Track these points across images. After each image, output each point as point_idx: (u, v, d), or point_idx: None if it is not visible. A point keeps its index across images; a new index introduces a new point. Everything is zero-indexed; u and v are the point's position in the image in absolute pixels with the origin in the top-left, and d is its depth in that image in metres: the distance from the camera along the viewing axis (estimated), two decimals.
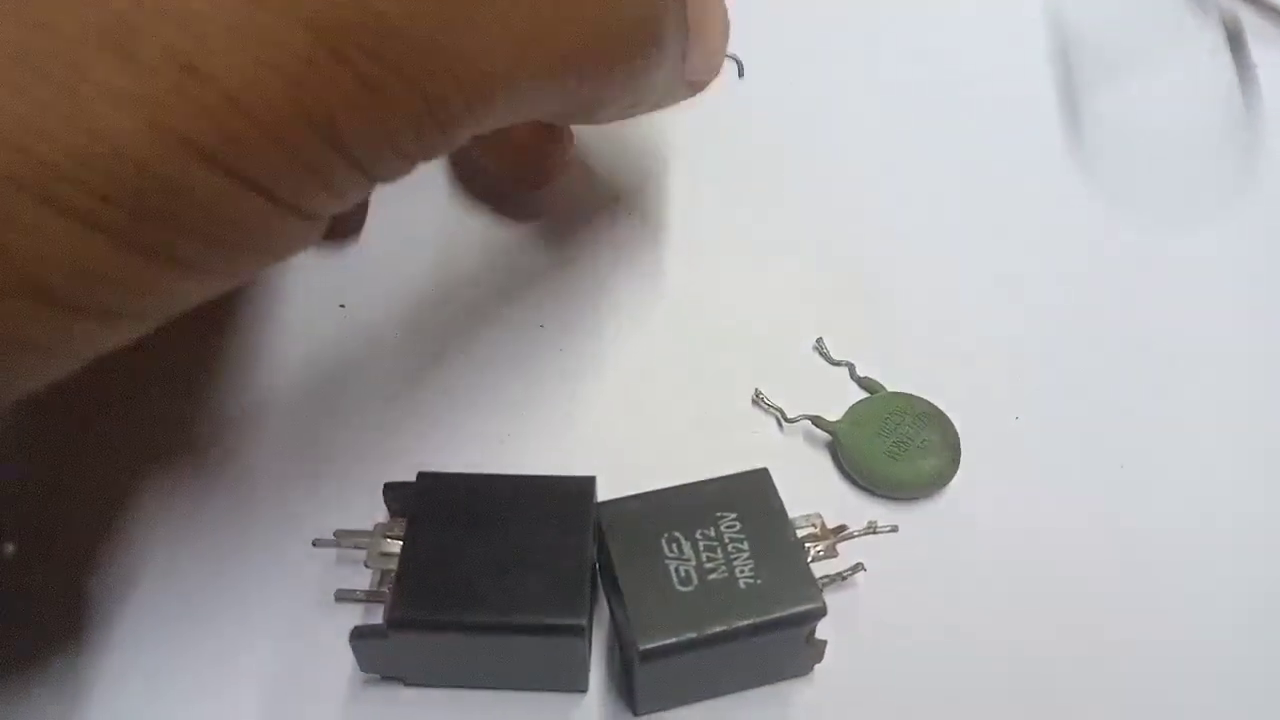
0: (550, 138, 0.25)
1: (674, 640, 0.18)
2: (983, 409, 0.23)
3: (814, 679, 0.20)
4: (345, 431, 0.23)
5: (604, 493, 0.20)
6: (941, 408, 0.23)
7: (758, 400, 0.23)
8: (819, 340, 0.24)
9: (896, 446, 0.22)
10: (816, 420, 0.23)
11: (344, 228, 0.26)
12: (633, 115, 0.20)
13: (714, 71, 0.21)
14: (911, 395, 0.23)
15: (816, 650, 0.19)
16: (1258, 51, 0.30)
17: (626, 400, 0.23)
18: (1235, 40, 0.30)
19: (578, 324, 0.25)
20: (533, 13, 0.14)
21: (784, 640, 0.19)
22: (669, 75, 0.19)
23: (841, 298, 0.25)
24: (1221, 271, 0.27)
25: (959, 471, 0.22)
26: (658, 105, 0.21)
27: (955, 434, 0.22)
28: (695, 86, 0.21)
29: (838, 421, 0.23)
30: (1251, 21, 0.31)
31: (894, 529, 0.21)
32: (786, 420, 0.23)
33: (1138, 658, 0.20)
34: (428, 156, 0.15)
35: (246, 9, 0.12)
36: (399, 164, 0.15)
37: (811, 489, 0.22)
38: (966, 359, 0.24)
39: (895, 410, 0.23)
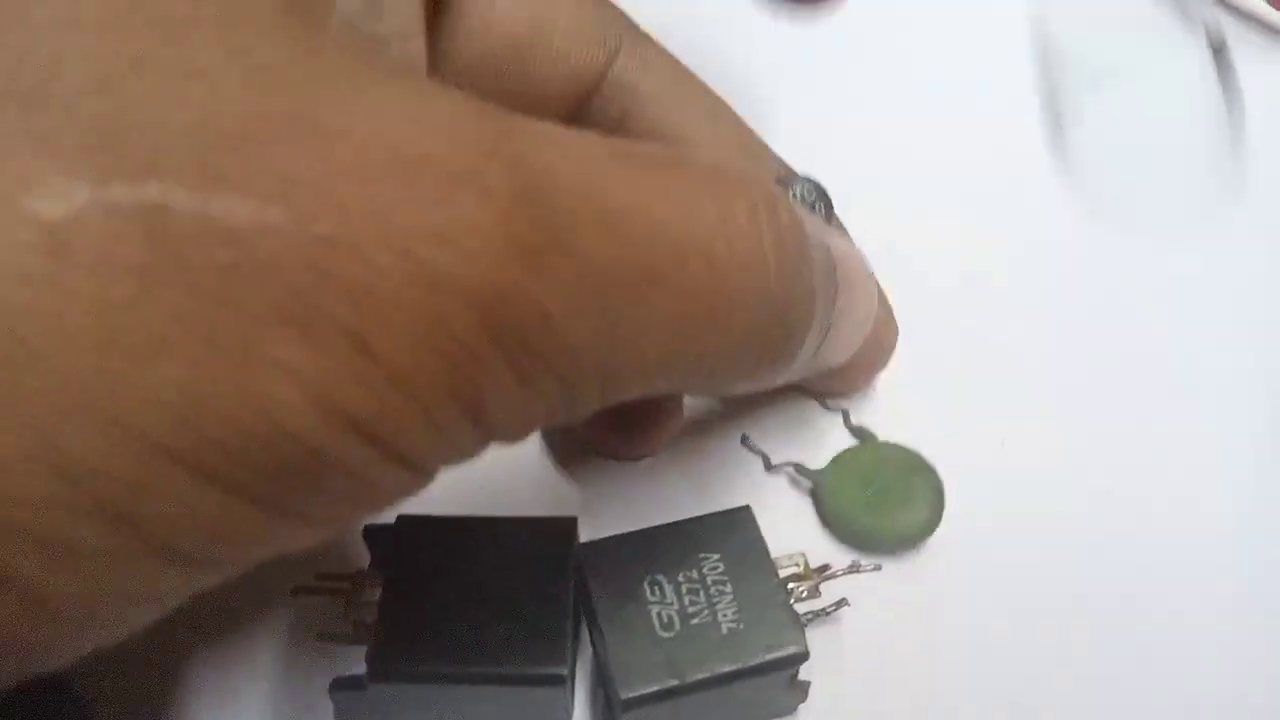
0: (663, 411, 0.23)
1: (656, 688, 0.18)
2: (972, 444, 0.23)
3: (798, 719, 0.20)
4: None
5: (585, 531, 0.20)
6: (929, 454, 0.23)
7: (745, 443, 0.23)
8: None
9: (876, 498, 0.22)
10: (799, 468, 0.23)
11: None
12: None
13: (848, 353, 0.21)
14: (900, 446, 0.23)
15: (800, 691, 0.19)
16: (1241, 61, 0.30)
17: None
18: (1219, 50, 0.30)
19: None
20: (680, 320, 0.15)
21: (767, 684, 0.19)
22: (799, 364, 0.19)
23: None
24: (1208, 283, 0.27)
25: (948, 506, 0.22)
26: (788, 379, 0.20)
27: (939, 490, 0.22)
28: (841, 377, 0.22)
29: (820, 470, 0.22)
30: (1235, 31, 0.31)
31: (877, 567, 0.21)
32: (770, 467, 0.23)
33: (1130, 697, 0.20)
34: (549, 427, 0.16)
35: (424, 292, 0.12)
36: (524, 434, 0.15)
37: (791, 534, 0.21)
38: (956, 397, 0.24)
39: (880, 460, 0.22)
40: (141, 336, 0.11)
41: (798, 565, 0.20)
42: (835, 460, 0.23)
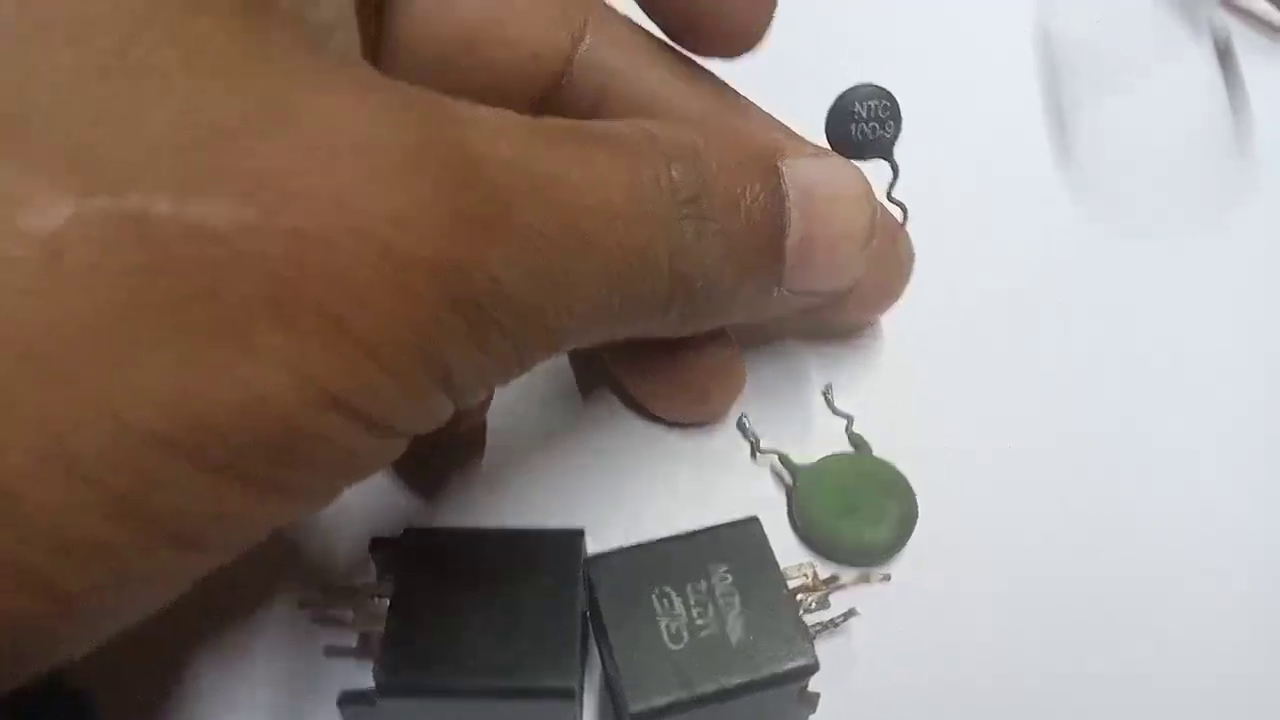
0: (724, 370, 0.23)
1: (665, 701, 0.18)
2: (976, 450, 0.23)
3: None
4: None
5: (591, 535, 0.20)
6: (926, 464, 0.22)
7: (740, 424, 0.23)
8: (828, 387, 0.24)
9: (847, 509, 0.22)
10: (784, 458, 0.22)
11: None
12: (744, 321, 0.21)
13: (838, 278, 0.20)
14: (887, 465, 0.22)
15: (810, 703, 0.19)
16: (1247, 63, 0.30)
17: (613, 445, 0.23)
18: (1224, 52, 0.30)
19: (563, 369, 0.24)
20: (606, 273, 0.16)
21: (776, 696, 0.19)
22: (754, 299, 0.19)
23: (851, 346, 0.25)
24: (1213, 284, 0.27)
25: (955, 518, 0.22)
26: (769, 315, 0.21)
27: (909, 518, 0.22)
28: (815, 297, 0.20)
29: (805, 467, 0.22)
30: (1240, 32, 0.31)
31: (886, 578, 0.20)
32: (760, 451, 0.23)
33: (1138, 698, 0.20)
34: (503, 385, 0.17)
35: (391, 271, 0.13)
36: (483, 393, 0.16)
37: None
38: (956, 409, 0.24)
39: (862, 474, 0.22)
40: (136, 336, 0.12)
41: (806, 576, 0.20)
42: (821, 461, 0.23)
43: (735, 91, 0.22)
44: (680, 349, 0.21)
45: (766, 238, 0.19)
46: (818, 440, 0.23)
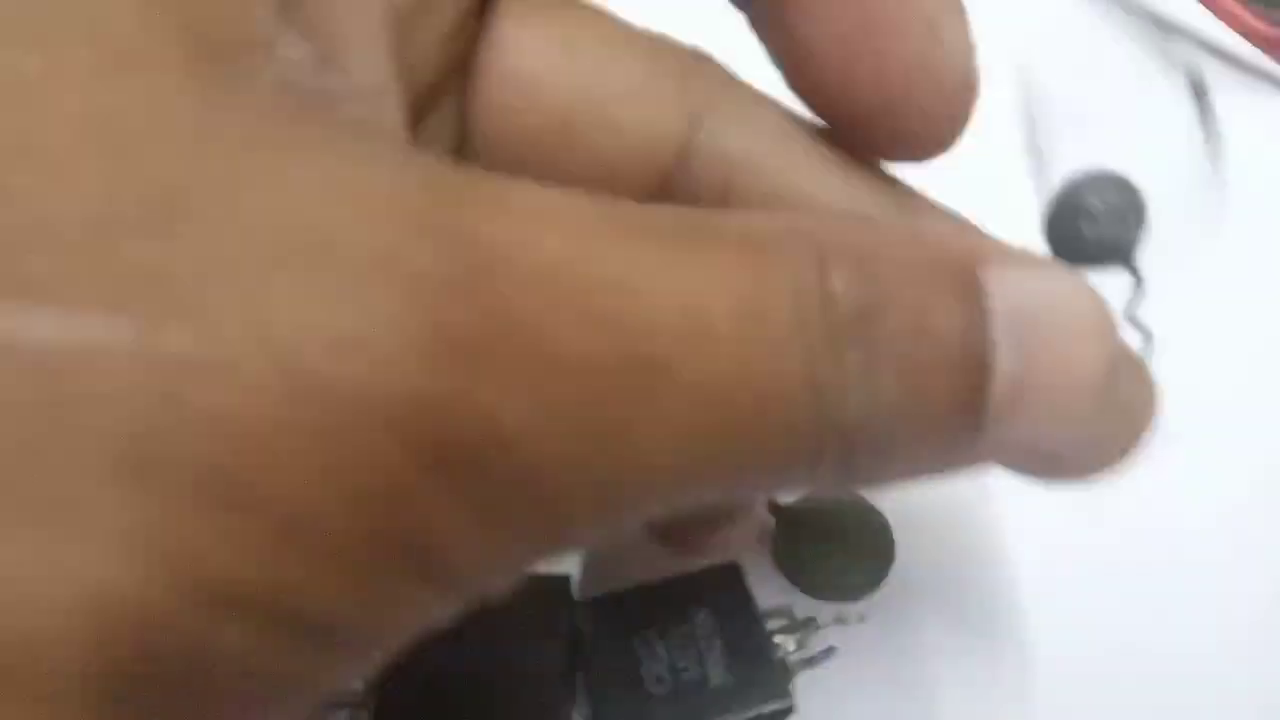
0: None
1: None
2: (947, 488, 0.24)
3: None
4: None
5: (577, 581, 0.21)
6: (890, 504, 0.23)
7: None
8: None
9: (829, 545, 0.22)
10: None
11: None
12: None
13: (1058, 437, 0.14)
14: (865, 501, 0.23)
15: None
16: (1221, 101, 0.31)
17: None
18: (1198, 90, 0.31)
19: None
20: (698, 420, 0.11)
21: None
22: (939, 456, 0.14)
23: None
24: (1189, 321, 0.27)
25: (932, 556, 0.23)
26: (953, 473, 0.15)
27: (890, 551, 0.23)
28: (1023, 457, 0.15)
29: (787, 504, 0.23)
30: (1215, 71, 0.32)
31: (861, 619, 0.21)
32: None
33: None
34: (535, 565, 0.12)
35: (317, 415, 0.09)
36: (509, 579, 0.12)
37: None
38: None
39: (843, 511, 0.23)
40: None
41: (785, 618, 0.21)
42: (803, 499, 0.23)
43: (907, 185, 0.17)
44: None
45: (964, 378, 0.13)
46: None
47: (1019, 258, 0.14)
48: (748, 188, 0.16)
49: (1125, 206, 0.16)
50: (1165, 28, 0.32)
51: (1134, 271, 0.16)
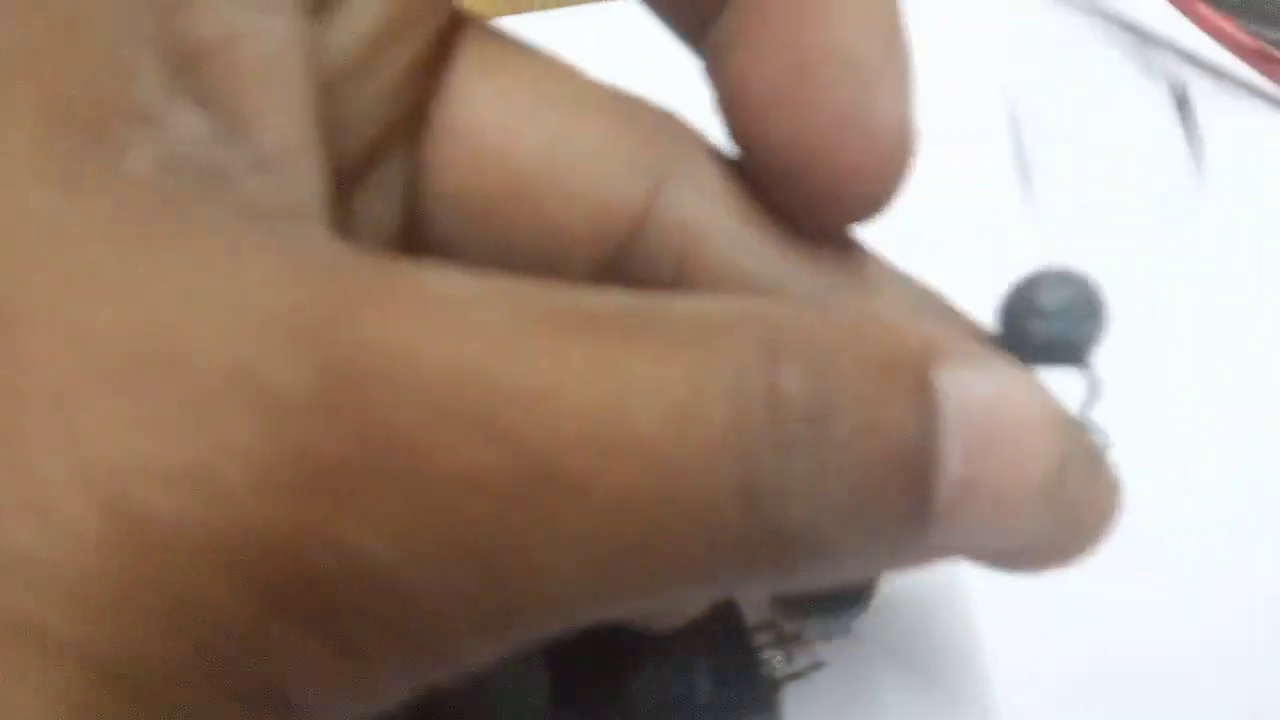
0: None
1: None
2: None
3: None
4: None
5: None
6: None
7: None
8: None
9: None
10: None
11: None
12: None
13: (1006, 538, 0.14)
14: None
15: None
16: (1204, 111, 0.31)
17: None
18: (1181, 104, 0.31)
19: None
20: (614, 539, 0.10)
21: None
22: (882, 556, 0.13)
23: None
24: (1173, 332, 0.28)
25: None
26: (896, 571, 0.15)
27: (864, 590, 0.22)
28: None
29: None
30: (1197, 82, 0.32)
31: (849, 633, 0.21)
32: None
33: None
34: (426, 688, 0.11)
35: (131, 558, 0.08)
36: (387, 707, 0.11)
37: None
38: None
39: None
40: None
41: (773, 633, 0.21)
42: None
43: (868, 253, 0.16)
44: None
45: (912, 481, 0.12)
46: None
47: (971, 355, 0.13)
48: (704, 258, 0.15)
49: (1078, 304, 0.15)
50: (1148, 40, 0.33)
51: (1088, 372, 0.16)
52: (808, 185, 0.15)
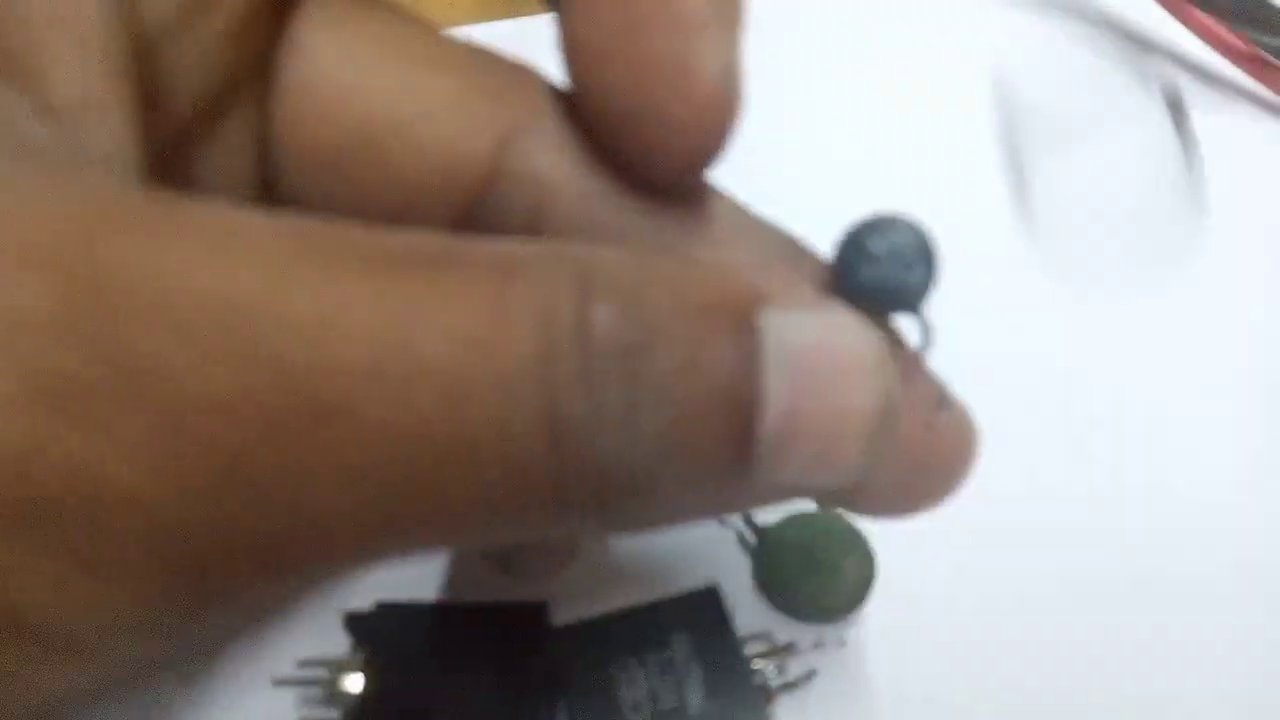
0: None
1: None
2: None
3: None
4: None
5: (555, 607, 0.21)
6: (873, 525, 0.23)
7: None
8: None
9: (811, 566, 0.22)
10: (748, 517, 0.23)
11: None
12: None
13: (832, 473, 0.13)
14: (847, 521, 0.23)
15: None
16: (1196, 115, 0.31)
17: None
18: (1175, 108, 0.31)
19: None
20: (384, 455, 0.10)
21: None
22: (711, 495, 0.13)
23: None
24: (1170, 338, 0.28)
25: (915, 576, 0.23)
26: (737, 510, 0.15)
27: (872, 572, 0.23)
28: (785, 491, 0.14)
29: (769, 526, 0.23)
30: (1190, 86, 0.32)
31: (842, 643, 0.21)
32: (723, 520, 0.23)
33: None
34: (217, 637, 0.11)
35: None
36: (130, 639, 0.10)
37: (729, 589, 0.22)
38: None
39: (821, 533, 0.23)
40: None
41: (765, 643, 0.21)
42: (785, 519, 0.23)
43: (722, 200, 0.16)
44: None
45: (731, 419, 0.12)
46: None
47: (798, 298, 0.13)
48: (556, 210, 0.16)
49: (907, 250, 0.15)
50: (1142, 45, 0.33)
51: (921, 320, 0.16)
52: (639, 137, 0.15)
